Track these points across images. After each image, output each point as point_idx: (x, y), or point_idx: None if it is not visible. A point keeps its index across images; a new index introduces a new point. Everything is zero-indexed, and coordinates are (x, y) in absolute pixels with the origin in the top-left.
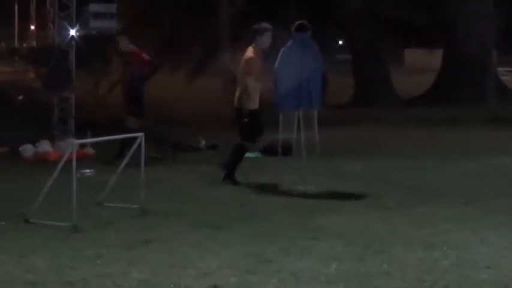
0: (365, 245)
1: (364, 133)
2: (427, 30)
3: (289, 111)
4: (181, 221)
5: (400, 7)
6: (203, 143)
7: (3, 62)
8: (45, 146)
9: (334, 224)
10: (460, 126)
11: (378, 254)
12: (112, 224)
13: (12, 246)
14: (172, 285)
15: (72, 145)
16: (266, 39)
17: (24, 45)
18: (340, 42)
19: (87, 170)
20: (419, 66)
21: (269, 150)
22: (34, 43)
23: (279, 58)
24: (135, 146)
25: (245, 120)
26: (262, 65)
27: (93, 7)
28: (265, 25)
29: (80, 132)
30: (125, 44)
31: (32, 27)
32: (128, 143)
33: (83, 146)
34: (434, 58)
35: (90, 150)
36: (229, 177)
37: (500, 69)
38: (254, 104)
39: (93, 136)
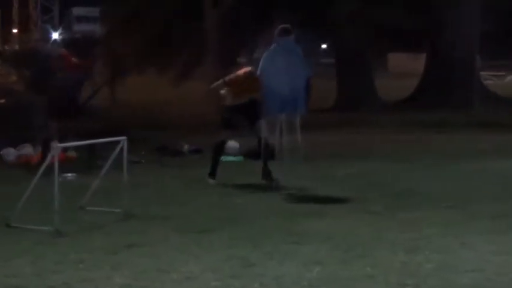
0: (348, 248)
1: (348, 137)
2: (411, 35)
3: (273, 115)
4: (165, 225)
5: (385, 12)
6: (186, 147)
7: None
8: (27, 150)
9: (318, 228)
10: (444, 130)
11: (361, 257)
12: (95, 228)
13: None
14: None
15: (54, 149)
16: None
17: (7, 48)
18: (324, 46)
19: (70, 174)
20: (402, 70)
21: (252, 154)
22: (17, 46)
23: (262, 62)
24: (117, 150)
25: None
26: None
27: (77, 11)
28: None
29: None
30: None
31: (15, 30)
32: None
33: (65, 149)
34: (417, 62)
35: (72, 154)
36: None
37: (483, 73)
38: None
39: (75, 140)
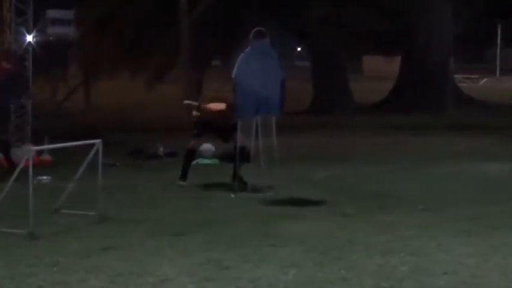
0: (324, 251)
1: (323, 140)
2: (386, 38)
3: (247, 117)
4: (140, 228)
5: (360, 15)
6: (161, 149)
7: None
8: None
9: (294, 230)
10: (419, 133)
11: (337, 260)
12: (69, 231)
13: None
14: None
15: (28, 152)
16: None
17: None
18: (299, 49)
19: (44, 177)
20: (377, 73)
21: (227, 157)
22: None
23: (237, 65)
24: (92, 153)
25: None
26: None
27: (51, 13)
28: None
29: (37, 139)
30: None
31: None
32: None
33: (39, 152)
34: (392, 65)
35: (47, 157)
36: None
37: (458, 76)
38: None
39: (50, 143)
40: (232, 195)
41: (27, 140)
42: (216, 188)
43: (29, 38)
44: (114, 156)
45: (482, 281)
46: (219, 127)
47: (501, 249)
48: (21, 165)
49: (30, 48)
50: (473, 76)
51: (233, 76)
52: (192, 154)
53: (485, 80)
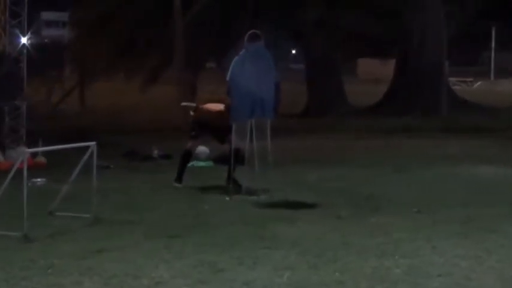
0: (318, 254)
1: (317, 143)
2: (380, 40)
3: (242, 120)
4: (135, 230)
5: (355, 18)
6: (156, 152)
7: None
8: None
9: (288, 233)
10: (413, 135)
11: (331, 263)
12: (64, 234)
13: None
14: None
15: (23, 154)
16: None
17: None
18: (294, 52)
19: (39, 179)
20: (372, 76)
21: (222, 160)
22: None
23: (231, 67)
24: (86, 156)
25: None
26: None
27: (46, 15)
28: None
29: (31, 141)
30: None
31: None
32: None
33: (34, 155)
34: (386, 68)
35: (41, 159)
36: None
37: (452, 79)
38: None
39: (44, 145)
40: (227, 198)
41: (22, 142)
42: (211, 191)
43: (24, 40)
44: (108, 158)
45: (476, 284)
46: (217, 128)
47: (495, 251)
48: (15, 168)
49: (25, 50)
50: (467, 79)
51: (227, 78)
52: (188, 156)
53: (479, 83)
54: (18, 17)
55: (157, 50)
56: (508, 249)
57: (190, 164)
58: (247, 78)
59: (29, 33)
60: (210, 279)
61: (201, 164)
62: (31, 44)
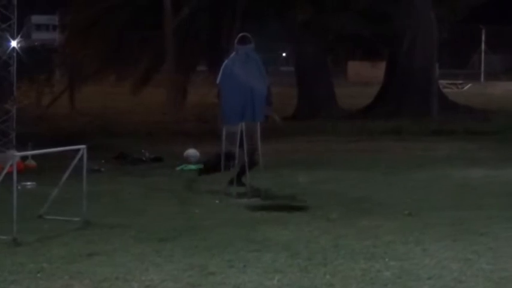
0: (309, 256)
1: (308, 145)
2: (371, 43)
3: (232, 123)
4: (125, 233)
5: (345, 20)
6: (146, 155)
7: None
8: None
9: (279, 236)
10: (403, 138)
11: (321, 265)
12: (54, 237)
13: None
14: None
15: (13, 157)
16: None
17: None
18: (284, 54)
19: (29, 183)
20: (362, 79)
21: (213, 163)
22: None
23: (221, 71)
24: (76, 159)
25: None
26: None
27: (36, 19)
28: None
29: (21, 145)
30: None
31: None
32: None
33: (24, 158)
34: (376, 71)
35: (31, 163)
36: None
37: (442, 81)
38: None
39: (35, 149)
40: (217, 201)
41: (12, 146)
42: (201, 194)
43: (14, 43)
44: (99, 161)
45: (466, 286)
46: None
47: (485, 254)
48: (5, 171)
49: (15, 54)
50: (457, 82)
51: (217, 81)
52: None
53: (469, 85)
54: (8, 20)
55: (148, 53)
56: (497, 251)
57: (179, 167)
58: (237, 81)
59: (19, 36)
60: (201, 283)
61: (192, 167)
62: (21, 48)
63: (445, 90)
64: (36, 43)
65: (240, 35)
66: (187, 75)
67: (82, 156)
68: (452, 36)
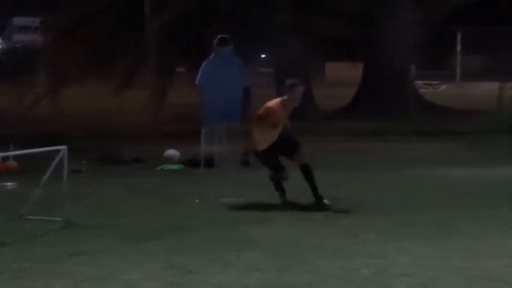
0: (289, 255)
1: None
2: (348, 44)
3: (212, 124)
4: (107, 233)
5: (323, 22)
6: (128, 155)
7: None
8: None
9: (260, 235)
10: (381, 139)
11: (301, 264)
12: (35, 238)
13: None
14: None
15: None
16: (297, 96)
17: None
18: (263, 56)
19: (9, 183)
20: (339, 80)
21: (193, 163)
22: None
23: (200, 72)
24: (57, 159)
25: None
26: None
27: (17, 21)
28: (294, 81)
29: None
30: None
31: None
32: None
33: (5, 159)
34: (354, 72)
35: (13, 164)
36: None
37: (419, 82)
38: (262, 145)
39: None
40: (197, 201)
41: None
42: (183, 194)
43: None
44: (81, 162)
45: (442, 284)
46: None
47: (461, 252)
48: None
49: None
50: (434, 82)
51: (196, 82)
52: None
53: (444, 86)
54: None
55: (130, 55)
56: (473, 250)
57: (159, 168)
58: (216, 82)
59: (1, 38)
60: (181, 282)
61: (172, 167)
62: (2, 49)
63: (422, 91)
64: (17, 45)
65: (219, 36)
66: (168, 77)
67: (63, 156)
68: (429, 37)
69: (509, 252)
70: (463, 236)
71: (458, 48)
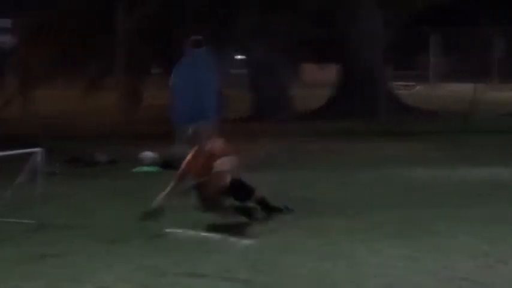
0: (259, 257)
1: (258, 147)
2: (321, 46)
3: (184, 125)
4: (79, 235)
5: (292, 23)
6: (100, 157)
7: None
8: None
9: (230, 237)
10: (352, 139)
11: (271, 265)
12: (6, 240)
13: None
14: None
15: None
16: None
17: None
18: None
19: None
20: (315, 81)
21: (168, 164)
22: None
23: (173, 73)
24: (33, 162)
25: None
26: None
27: None
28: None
29: None
30: None
31: None
32: None
33: None
34: (330, 73)
35: None
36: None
37: (396, 83)
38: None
39: None
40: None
41: None
42: (156, 196)
43: None
44: (53, 164)
45: (412, 283)
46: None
47: (431, 252)
48: None
49: None
50: (409, 83)
51: (170, 84)
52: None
53: (417, 87)
54: None
55: (100, 56)
56: (443, 249)
57: (134, 170)
58: (188, 83)
59: None
60: (152, 283)
61: (146, 169)
62: None
63: (397, 92)
64: None
65: (193, 38)
66: (141, 78)
67: (36, 159)
68: (402, 38)
69: (481, 252)
70: (435, 236)
71: (431, 49)
